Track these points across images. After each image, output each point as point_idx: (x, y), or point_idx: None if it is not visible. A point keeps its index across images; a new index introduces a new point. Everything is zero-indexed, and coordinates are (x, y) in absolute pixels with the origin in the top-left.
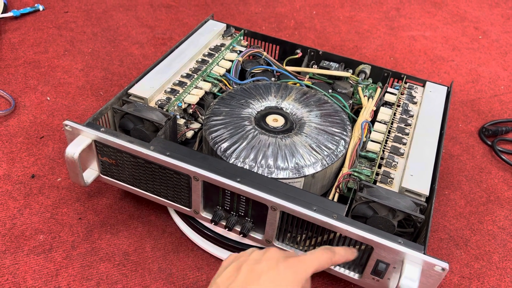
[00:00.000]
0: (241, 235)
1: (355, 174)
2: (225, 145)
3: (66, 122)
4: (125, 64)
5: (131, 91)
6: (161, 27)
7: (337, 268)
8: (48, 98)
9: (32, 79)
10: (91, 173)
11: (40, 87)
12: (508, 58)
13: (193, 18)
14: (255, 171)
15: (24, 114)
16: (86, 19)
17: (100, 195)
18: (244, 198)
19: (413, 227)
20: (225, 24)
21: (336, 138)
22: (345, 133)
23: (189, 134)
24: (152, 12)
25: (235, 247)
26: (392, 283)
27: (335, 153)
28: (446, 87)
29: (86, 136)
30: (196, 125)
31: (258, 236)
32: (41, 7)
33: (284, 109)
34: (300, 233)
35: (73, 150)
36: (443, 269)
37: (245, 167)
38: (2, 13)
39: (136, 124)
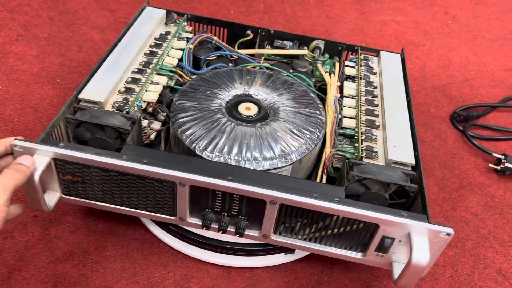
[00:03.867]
0: (237, 235)
1: (340, 153)
2: (203, 142)
3: (15, 142)
4: (84, 49)
5: (81, 96)
6: (123, 10)
7: (338, 251)
8: None
9: None
10: (51, 196)
11: None
12: (477, 43)
13: (157, 2)
14: (243, 165)
15: None
16: (42, 2)
17: None
18: (237, 196)
19: (404, 198)
20: (165, 10)
21: (313, 119)
22: (318, 112)
23: (152, 135)
24: None
25: (202, 242)
26: (396, 256)
27: (316, 134)
28: (399, 54)
29: (43, 155)
30: (157, 125)
31: (254, 233)
32: None
33: (253, 95)
34: (296, 222)
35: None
36: (448, 234)
37: (231, 163)
38: None
39: (95, 132)
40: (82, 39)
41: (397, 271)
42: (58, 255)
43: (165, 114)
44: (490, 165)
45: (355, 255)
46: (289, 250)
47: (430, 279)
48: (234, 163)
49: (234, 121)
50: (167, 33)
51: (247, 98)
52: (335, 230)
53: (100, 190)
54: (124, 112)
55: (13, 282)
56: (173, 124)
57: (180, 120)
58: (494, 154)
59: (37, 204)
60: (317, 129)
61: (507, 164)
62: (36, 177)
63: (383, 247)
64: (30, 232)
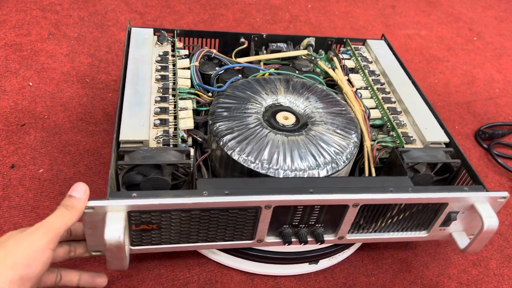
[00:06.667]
0: (319, 243)
1: (383, 144)
2: (264, 161)
3: (90, 203)
4: (113, 50)
5: (122, 137)
6: (151, 14)
7: (404, 234)
8: (31, 84)
9: (13, 63)
10: None
11: (22, 71)
12: (502, 60)
13: (184, 6)
14: (311, 175)
15: (4, 100)
16: (73, 2)
17: None
18: (318, 206)
19: (447, 173)
20: (152, 29)
21: (347, 116)
22: (345, 109)
23: None
24: None
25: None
26: (454, 227)
27: (356, 129)
28: (383, 41)
29: (117, 211)
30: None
31: (330, 237)
32: None
33: (283, 104)
34: (371, 217)
35: (116, 233)
36: (504, 198)
37: (300, 175)
38: None
39: (148, 173)
40: (111, 40)
41: (461, 240)
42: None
43: (201, 138)
44: None
45: (419, 234)
46: (313, 260)
47: None
48: (303, 174)
49: (281, 133)
50: (165, 53)
51: (279, 107)
52: (402, 216)
53: (177, 232)
54: (171, 146)
55: None
56: (224, 147)
57: (230, 143)
58: None
59: (119, 264)
60: (354, 125)
61: None
62: (121, 238)
63: (448, 222)
64: None
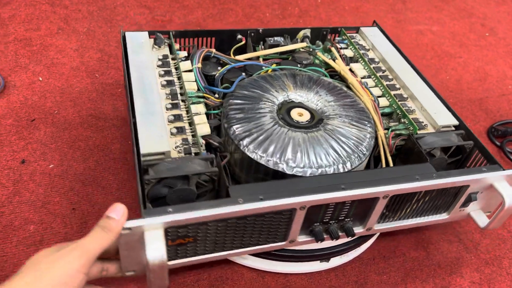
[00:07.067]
0: (350, 237)
1: (397, 132)
2: (289, 161)
3: (127, 224)
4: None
5: (144, 151)
6: (160, 8)
7: (426, 219)
8: (40, 79)
9: (23, 58)
10: None
11: (32, 66)
12: None
13: (193, 1)
14: (339, 169)
15: (14, 95)
16: None
17: (95, 184)
18: (349, 201)
19: (459, 155)
20: (147, 32)
21: (359, 106)
22: (354, 99)
23: None
24: None
25: None
26: (472, 206)
27: (369, 120)
28: (376, 27)
29: (154, 229)
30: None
31: (358, 229)
32: None
33: (295, 100)
34: (389, 207)
35: (158, 252)
36: None
37: (329, 171)
38: None
39: (174, 185)
40: (120, 35)
41: (480, 219)
42: None
43: (217, 143)
44: None
45: (440, 217)
46: (324, 258)
47: None
48: (329, 170)
49: (299, 130)
50: (165, 56)
51: (291, 104)
52: (429, 197)
53: (212, 242)
54: (193, 154)
55: None
56: (245, 150)
57: (250, 145)
58: None
59: (162, 283)
60: (366, 116)
61: None
62: (164, 256)
63: (468, 202)
64: (68, 225)
